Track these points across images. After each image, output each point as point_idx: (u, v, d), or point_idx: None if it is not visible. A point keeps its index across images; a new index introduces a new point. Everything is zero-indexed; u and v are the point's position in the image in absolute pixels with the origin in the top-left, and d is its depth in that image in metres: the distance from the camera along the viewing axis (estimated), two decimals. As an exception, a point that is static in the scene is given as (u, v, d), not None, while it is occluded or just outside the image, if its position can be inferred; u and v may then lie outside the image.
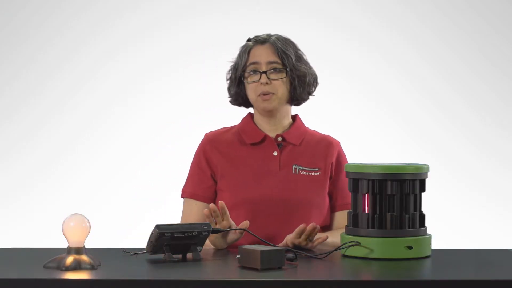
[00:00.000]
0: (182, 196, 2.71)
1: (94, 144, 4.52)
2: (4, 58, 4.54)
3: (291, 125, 2.70)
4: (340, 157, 2.72)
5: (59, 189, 4.48)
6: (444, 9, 4.58)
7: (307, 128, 2.74)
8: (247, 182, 2.60)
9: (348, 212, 2.32)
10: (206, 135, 2.72)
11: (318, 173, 2.65)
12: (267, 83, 2.60)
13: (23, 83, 4.53)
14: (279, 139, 2.66)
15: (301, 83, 2.65)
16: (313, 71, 2.71)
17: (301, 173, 2.63)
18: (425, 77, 4.57)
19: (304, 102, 2.72)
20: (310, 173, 2.64)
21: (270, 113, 2.65)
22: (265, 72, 2.61)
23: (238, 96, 2.71)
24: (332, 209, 2.71)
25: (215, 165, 2.65)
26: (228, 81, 2.73)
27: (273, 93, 2.61)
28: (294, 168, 2.64)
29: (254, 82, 2.62)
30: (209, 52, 4.41)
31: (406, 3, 4.58)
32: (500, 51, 4.58)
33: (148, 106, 4.54)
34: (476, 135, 4.55)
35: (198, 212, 2.65)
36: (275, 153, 2.64)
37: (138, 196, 4.47)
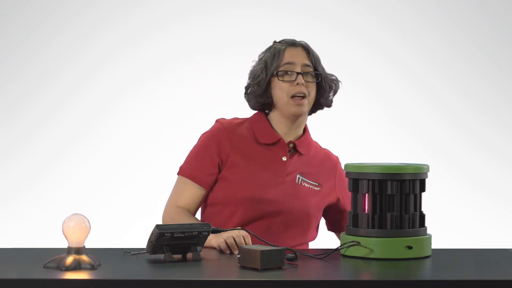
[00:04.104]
0: (180, 174, 2.64)
1: (93, 144, 4.52)
2: (4, 58, 4.54)
3: (303, 134, 2.68)
4: (342, 176, 2.70)
5: (59, 189, 4.48)
6: (444, 8, 4.58)
7: (311, 138, 2.72)
8: (253, 181, 2.57)
9: (348, 212, 2.32)
10: (219, 121, 2.66)
11: (319, 188, 2.64)
12: (302, 84, 2.57)
13: (23, 83, 4.53)
14: (291, 145, 2.64)
15: (331, 90, 2.65)
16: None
17: (303, 184, 2.62)
18: (425, 77, 4.57)
19: (319, 110, 2.71)
20: (311, 187, 2.63)
21: (295, 118, 2.62)
22: (301, 74, 2.58)
23: (263, 97, 2.62)
24: (340, 228, 2.70)
25: (226, 154, 2.59)
26: (252, 81, 2.65)
27: (306, 96, 2.57)
28: (298, 177, 2.62)
29: (288, 81, 2.58)
30: (209, 52, 4.41)
31: (406, 2, 4.58)
32: (500, 50, 4.59)
33: (148, 106, 4.54)
34: (476, 135, 4.56)
35: (193, 194, 2.60)
36: (284, 158, 2.61)
37: (138, 196, 4.47)
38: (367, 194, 2.26)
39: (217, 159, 2.60)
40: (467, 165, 4.54)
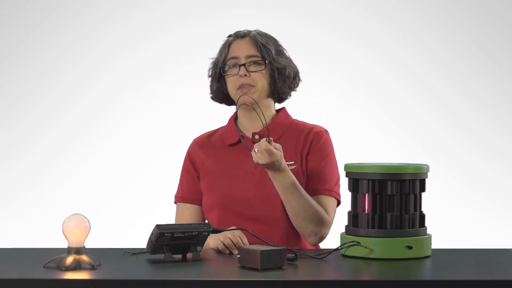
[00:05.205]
0: (174, 202, 2.71)
1: (93, 144, 4.53)
2: (4, 58, 4.54)
3: (272, 119, 2.66)
4: (317, 141, 2.62)
5: (59, 189, 4.48)
6: (444, 8, 4.58)
7: (293, 120, 2.68)
8: (223, 184, 2.59)
9: (348, 212, 2.32)
10: (193, 140, 2.73)
11: (294, 166, 2.58)
12: (245, 75, 2.57)
13: (23, 83, 4.53)
14: (256, 137, 2.62)
15: (281, 76, 2.61)
16: (294, 66, 2.67)
17: None
18: (425, 77, 4.57)
19: (286, 97, 2.68)
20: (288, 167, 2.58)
21: (249, 108, 2.59)
22: (243, 65, 2.58)
23: (219, 92, 2.68)
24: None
25: (198, 167, 2.65)
26: (210, 78, 2.71)
27: (253, 86, 2.58)
28: None
29: (233, 75, 2.60)
30: (209, 52, 4.40)
31: (406, 2, 4.58)
32: (500, 50, 4.58)
33: (148, 107, 4.55)
34: (476, 135, 4.56)
35: (190, 214, 2.65)
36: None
37: (138, 196, 4.47)
38: (367, 194, 2.26)
39: (195, 173, 2.66)
40: (467, 165, 4.54)
